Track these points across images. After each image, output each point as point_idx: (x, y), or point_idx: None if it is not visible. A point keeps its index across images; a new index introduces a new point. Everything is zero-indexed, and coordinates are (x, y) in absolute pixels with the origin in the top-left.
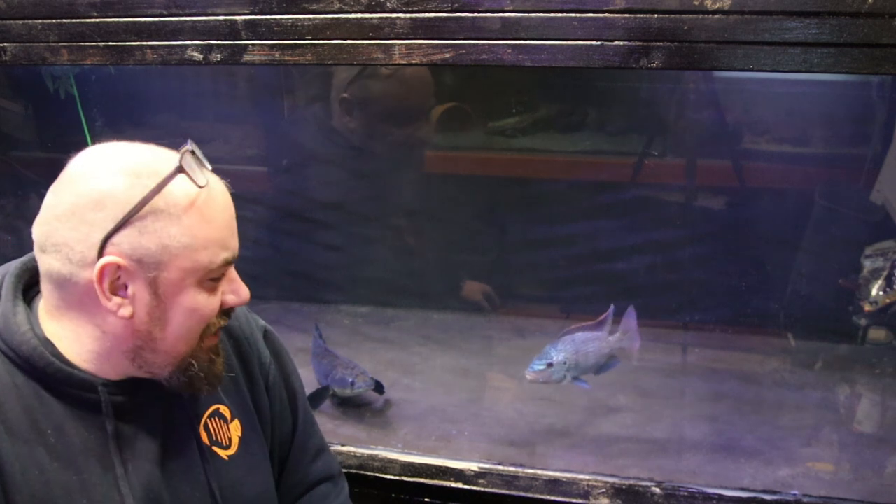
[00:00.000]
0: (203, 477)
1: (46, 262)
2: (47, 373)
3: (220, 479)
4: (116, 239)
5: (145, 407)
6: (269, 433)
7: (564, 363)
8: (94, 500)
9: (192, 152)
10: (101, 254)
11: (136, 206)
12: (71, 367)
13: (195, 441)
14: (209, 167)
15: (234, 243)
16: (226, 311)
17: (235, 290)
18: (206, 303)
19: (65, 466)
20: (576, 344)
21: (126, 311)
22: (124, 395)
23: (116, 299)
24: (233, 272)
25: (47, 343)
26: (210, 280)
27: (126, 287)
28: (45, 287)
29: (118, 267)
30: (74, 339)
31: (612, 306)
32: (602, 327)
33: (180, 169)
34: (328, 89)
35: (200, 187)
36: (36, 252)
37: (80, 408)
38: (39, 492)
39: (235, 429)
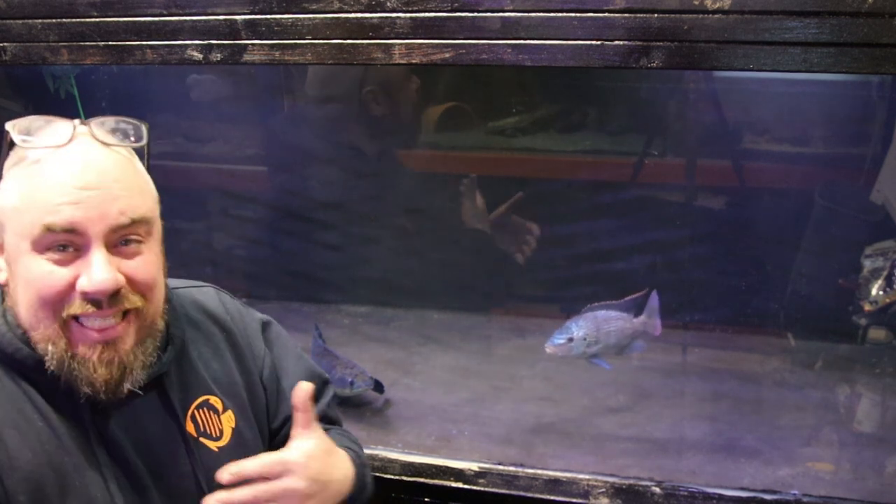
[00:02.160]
0: (189, 468)
1: None
2: (16, 359)
3: (206, 469)
4: None
5: (124, 397)
6: (265, 425)
7: (584, 339)
8: (84, 483)
9: (81, 120)
10: None
11: None
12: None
13: (179, 433)
14: (109, 140)
15: (74, 213)
16: (89, 298)
17: (88, 273)
18: (42, 276)
19: (55, 448)
20: (597, 321)
21: (1, 276)
22: None
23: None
24: (94, 253)
25: (17, 329)
26: (51, 251)
27: (2, 249)
28: None
29: None
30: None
31: (648, 289)
32: (626, 307)
33: (4, 129)
34: (350, 88)
35: (22, 147)
36: None
37: (57, 396)
38: (34, 473)
39: (228, 420)
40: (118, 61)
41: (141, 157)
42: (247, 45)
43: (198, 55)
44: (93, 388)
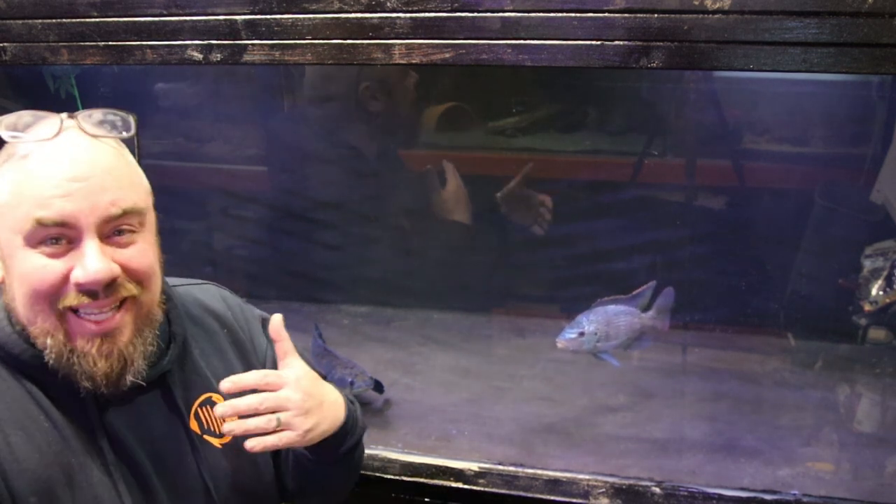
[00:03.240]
0: (194, 466)
1: None
2: (22, 360)
3: (212, 467)
4: None
5: (128, 395)
6: None
7: (595, 334)
8: (92, 482)
9: (69, 114)
10: None
11: None
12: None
13: (184, 430)
14: (98, 133)
15: (65, 206)
16: (84, 290)
17: (83, 264)
18: (36, 270)
19: (62, 449)
20: (608, 315)
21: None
22: None
23: None
24: (87, 244)
25: (20, 328)
26: (44, 244)
27: None
28: None
29: None
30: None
31: (653, 282)
32: (636, 302)
33: None
34: (348, 87)
35: (1, 141)
36: None
37: (63, 396)
38: (41, 476)
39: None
40: (118, 61)
41: (131, 149)
42: (247, 45)
43: (198, 55)
44: (93, 381)
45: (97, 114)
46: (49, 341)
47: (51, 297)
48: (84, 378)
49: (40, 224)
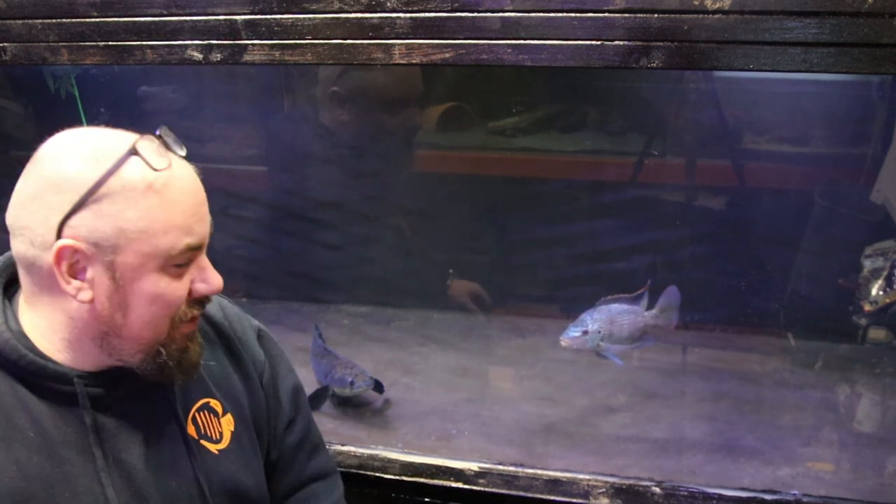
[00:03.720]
0: (190, 470)
1: (15, 246)
2: (20, 366)
3: (208, 472)
4: (73, 222)
5: (126, 399)
6: (265, 430)
7: (599, 332)
8: (77, 492)
9: (160, 136)
10: (59, 237)
11: (91, 189)
12: (45, 360)
13: (181, 434)
14: (181, 153)
15: (201, 229)
16: (198, 300)
17: (206, 279)
18: (171, 289)
19: (45, 460)
20: (611, 314)
21: (85, 296)
22: (102, 387)
23: (76, 283)
24: (203, 260)
25: (21, 336)
26: (175, 266)
27: (85, 270)
28: (20, 272)
29: (75, 250)
30: (47, 327)
31: (649, 281)
32: (639, 301)
33: (134, 151)
34: (318, 85)
35: (156, 170)
36: (10, 238)
37: (57, 401)
38: (18, 488)
39: (227, 423)
40: (118, 61)
41: None
42: (247, 45)
43: (198, 55)
44: (186, 373)
45: (168, 134)
46: (162, 350)
47: (175, 311)
48: (181, 372)
49: (189, 249)
